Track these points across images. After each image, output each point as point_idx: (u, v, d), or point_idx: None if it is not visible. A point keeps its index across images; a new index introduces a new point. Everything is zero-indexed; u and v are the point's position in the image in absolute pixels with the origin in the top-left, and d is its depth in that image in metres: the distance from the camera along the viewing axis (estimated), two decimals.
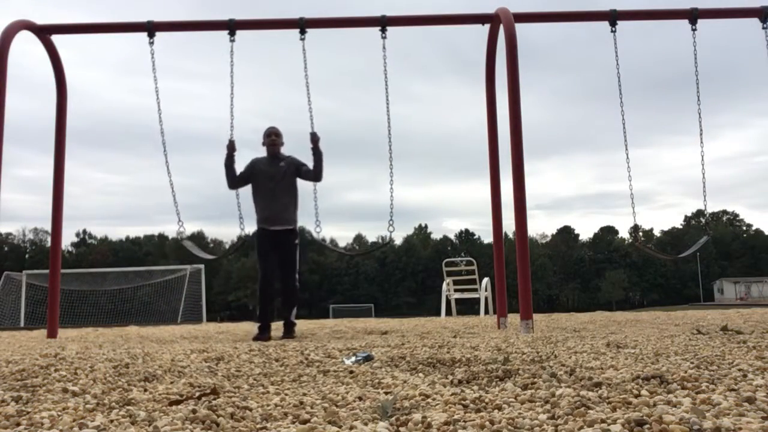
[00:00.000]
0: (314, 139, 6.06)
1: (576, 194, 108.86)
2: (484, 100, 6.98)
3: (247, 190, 6.20)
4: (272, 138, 6.14)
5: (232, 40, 6.53)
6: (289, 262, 6.00)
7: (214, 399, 1.97)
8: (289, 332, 6.07)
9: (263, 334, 5.81)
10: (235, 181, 6.14)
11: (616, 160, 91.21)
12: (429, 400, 1.88)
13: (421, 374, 2.48)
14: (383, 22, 6.48)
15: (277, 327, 6.19)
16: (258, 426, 1.64)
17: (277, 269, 6.00)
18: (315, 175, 6.05)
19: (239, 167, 6.17)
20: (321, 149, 6.05)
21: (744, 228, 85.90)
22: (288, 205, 6.04)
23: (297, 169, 6.10)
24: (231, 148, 6.11)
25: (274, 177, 6.03)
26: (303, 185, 6.18)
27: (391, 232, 6.10)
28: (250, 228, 6.20)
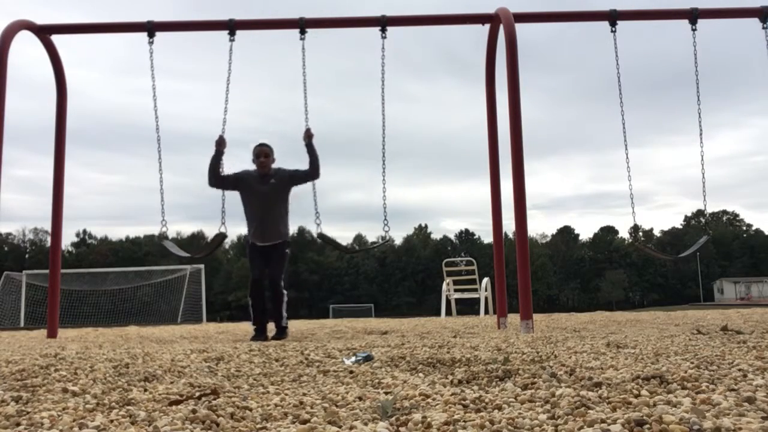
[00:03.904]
0: (308, 134, 5.99)
1: (573, 194, 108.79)
2: (483, 101, 6.98)
3: (234, 195, 6.14)
4: (261, 160, 5.99)
5: (232, 40, 6.52)
6: (277, 267, 5.96)
7: (214, 399, 1.97)
8: (280, 334, 6.00)
9: (260, 336, 5.79)
10: (218, 180, 6.00)
11: (612, 160, 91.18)
12: (429, 400, 1.88)
13: (421, 374, 2.48)
14: (383, 23, 6.48)
15: (271, 329, 6.18)
16: (258, 426, 1.64)
17: (267, 271, 5.96)
18: (311, 172, 5.98)
19: (229, 167, 6.11)
20: (314, 146, 5.98)
21: (744, 228, 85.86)
22: (278, 222, 6.00)
23: (290, 180, 6.02)
24: (221, 144, 6.00)
25: (266, 196, 5.95)
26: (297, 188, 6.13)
27: (387, 231, 6.06)
28: (232, 229, 6.16)
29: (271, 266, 5.96)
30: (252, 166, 6.11)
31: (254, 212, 6.00)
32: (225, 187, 6.06)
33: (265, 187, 5.97)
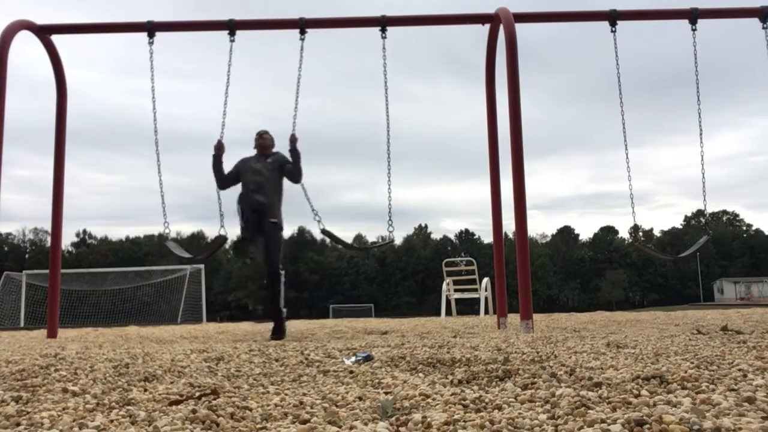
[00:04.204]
0: (292, 139, 6.09)
1: (573, 194, 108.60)
2: (483, 101, 6.99)
3: (232, 192, 6.19)
4: (261, 134, 6.18)
5: (232, 41, 6.53)
6: (274, 252, 5.92)
7: (214, 399, 1.97)
8: (278, 331, 5.82)
9: (248, 242, 5.91)
10: (224, 180, 6.13)
11: (612, 160, 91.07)
12: (429, 400, 1.88)
13: (421, 374, 2.48)
14: (383, 23, 6.48)
15: (269, 329, 6.14)
16: (258, 426, 1.64)
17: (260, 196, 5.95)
18: (294, 174, 6.05)
19: (228, 167, 6.18)
20: (299, 150, 6.07)
21: (744, 228, 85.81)
22: (273, 199, 6.02)
23: (282, 166, 6.10)
24: (219, 148, 6.12)
25: (260, 172, 6.02)
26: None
27: (391, 231, 6.09)
28: (231, 230, 6.20)
29: (267, 252, 5.93)
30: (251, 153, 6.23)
31: (250, 181, 6.02)
32: (233, 182, 6.19)
33: (261, 164, 6.09)
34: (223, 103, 6.22)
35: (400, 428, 1.55)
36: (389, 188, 6.10)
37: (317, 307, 63.71)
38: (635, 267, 76.34)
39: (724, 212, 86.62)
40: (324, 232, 6.22)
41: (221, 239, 6.22)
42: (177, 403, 1.95)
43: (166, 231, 6.27)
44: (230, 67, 6.33)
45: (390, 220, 6.02)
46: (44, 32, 6.79)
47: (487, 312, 15.88)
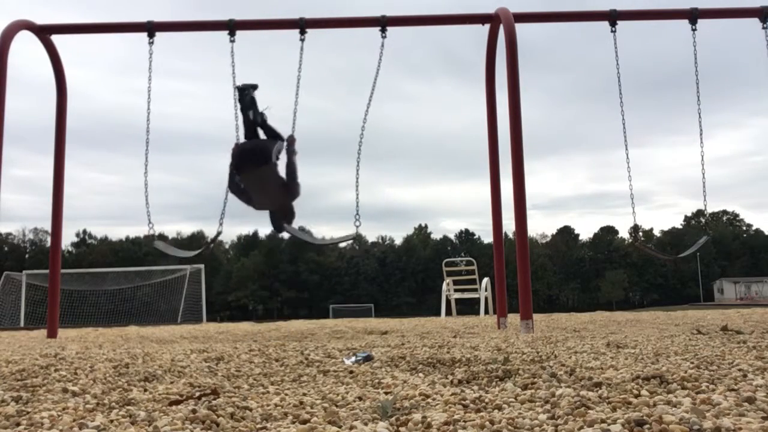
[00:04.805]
0: (290, 140, 6.08)
1: (573, 194, 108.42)
2: (483, 101, 6.98)
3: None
4: None
5: (232, 41, 6.51)
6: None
7: (214, 399, 1.97)
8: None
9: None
10: (235, 187, 6.12)
11: (612, 160, 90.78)
12: (429, 400, 1.88)
13: (421, 374, 2.48)
14: (383, 23, 6.48)
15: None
16: (258, 426, 1.64)
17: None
18: (288, 180, 5.96)
19: None
20: (295, 149, 6.04)
21: (744, 228, 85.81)
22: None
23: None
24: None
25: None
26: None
27: (357, 226, 6.15)
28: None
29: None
30: None
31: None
32: (238, 195, 6.10)
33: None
34: (233, 108, 6.19)
35: (400, 428, 1.55)
36: (357, 182, 6.13)
37: (317, 307, 63.74)
38: (635, 267, 76.32)
39: (724, 212, 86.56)
40: (286, 229, 6.22)
41: (217, 236, 6.26)
42: (177, 403, 1.95)
43: (151, 232, 6.27)
44: (234, 69, 6.30)
45: (357, 214, 6.05)
46: (44, 32, 6.78)
47: (487, 312, 15.89)
